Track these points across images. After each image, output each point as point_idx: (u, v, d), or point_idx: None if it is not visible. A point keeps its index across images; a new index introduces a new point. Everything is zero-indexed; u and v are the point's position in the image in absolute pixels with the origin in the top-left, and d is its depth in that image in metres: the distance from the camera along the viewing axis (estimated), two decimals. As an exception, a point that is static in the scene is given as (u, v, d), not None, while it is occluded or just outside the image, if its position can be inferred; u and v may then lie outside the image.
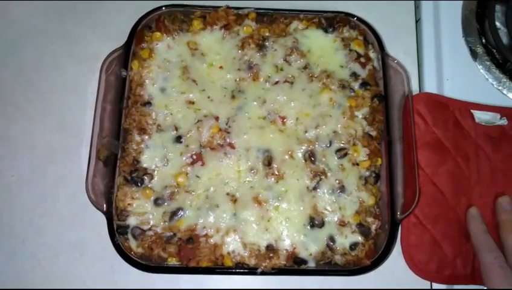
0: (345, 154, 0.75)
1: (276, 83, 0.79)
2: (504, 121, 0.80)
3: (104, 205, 0.70)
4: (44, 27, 0.88)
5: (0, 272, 0.75)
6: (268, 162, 0.74)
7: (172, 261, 0.70)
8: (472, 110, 0.80)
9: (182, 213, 0.72)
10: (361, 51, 0.80)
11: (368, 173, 0.75)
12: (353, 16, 0.82)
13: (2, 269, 0.75)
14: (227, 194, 0.73)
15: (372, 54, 0.81)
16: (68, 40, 0.87)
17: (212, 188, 0.73)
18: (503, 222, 0.72)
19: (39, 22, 0.88)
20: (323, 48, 0.81)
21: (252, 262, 0.70)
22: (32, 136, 0.81)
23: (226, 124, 0.76)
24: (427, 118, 0.79)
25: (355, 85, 0.79)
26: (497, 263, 0.66)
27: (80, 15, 0.88)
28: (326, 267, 0.71)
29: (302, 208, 0.73)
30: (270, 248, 0.71)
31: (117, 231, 0.70)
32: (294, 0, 0.86)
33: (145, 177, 0.73)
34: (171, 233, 0.71)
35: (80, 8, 0.89)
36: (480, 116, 0.80)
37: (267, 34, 0.81)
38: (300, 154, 0.75)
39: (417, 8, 0.91)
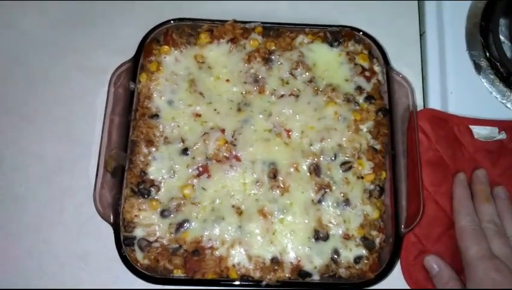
0: (350, 168, 0.75)
1: (282, 96, 0.80)
2: (503, 135, 0.80)
3: (111, 216, 0.71)
4: (54, 39, 0.89)
5: (6, 281, 0.75)
6: (274, 174, 0.75)
7: (178, 273, 0.71)
8: (470, 126, 0.80)
9: (187, 225, 0.72)
10: (366, 64, 0.81)
11: (372, 187, 0.75)
12: (358, 30, 0.82)
13: (8, 279, 0.76)
14: (233, 206, 0.74)
15: (376, 68, 0.82)
16: (78, 53, 0.88)
17: (217, 200, 0.74)
18: (477, 192, 0.75)
19: (49, 34, 0.89)
20: (329, 61, 0.82)
21: (257, 275, 0.70)
22: (41, 147, 0.82)
23: (232, 137, 0.77)
24: (430, 135, 0.79)
25: (360, 99, 0.80)
26: (470, 226, 0.71)
27: (89, 28, 0.90)
28: (331, 281, 0.71)
29: (306, 221, 0.73)
30: (275, 261, 0.71)
31: (124, 243, 0.70)
32: (299, 6, 0.88)
33: (152, 189, 0.74)
34: (177, 245, 0.71)
35: (89, 21, 0.90)
36: (479, 131, 0.80)
37: (273, 47, 0.82)
38: (305, 167, 0.76)
39: (421, 22, 0.92)
